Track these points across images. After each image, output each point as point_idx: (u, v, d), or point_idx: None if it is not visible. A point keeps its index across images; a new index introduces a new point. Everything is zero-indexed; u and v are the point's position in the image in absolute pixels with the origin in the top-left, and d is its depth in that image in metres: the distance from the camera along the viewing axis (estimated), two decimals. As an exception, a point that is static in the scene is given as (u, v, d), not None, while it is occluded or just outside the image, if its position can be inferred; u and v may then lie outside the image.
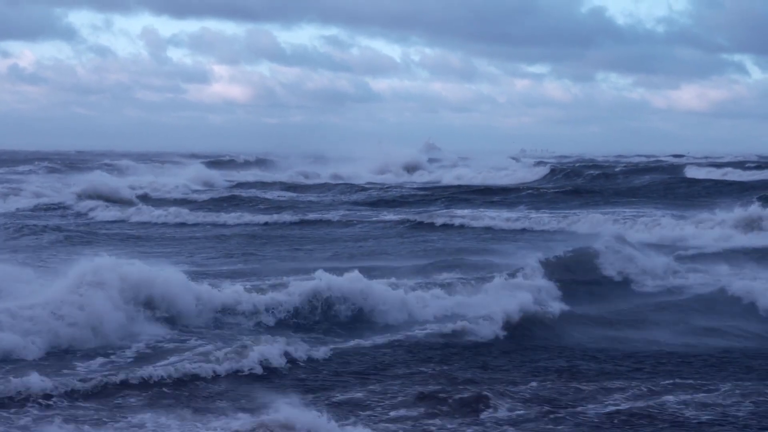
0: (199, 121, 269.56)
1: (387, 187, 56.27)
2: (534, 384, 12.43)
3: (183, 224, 35.71)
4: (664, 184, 53.51)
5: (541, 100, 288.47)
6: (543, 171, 64.75)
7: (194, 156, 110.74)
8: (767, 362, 14.32)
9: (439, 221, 34.48)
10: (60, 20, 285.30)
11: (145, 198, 45.31)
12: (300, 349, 13.92)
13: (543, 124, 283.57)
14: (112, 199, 42.68)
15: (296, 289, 16.83)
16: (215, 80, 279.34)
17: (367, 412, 11.08)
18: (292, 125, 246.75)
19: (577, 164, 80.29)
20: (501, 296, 17.71)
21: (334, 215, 37.63)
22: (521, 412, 11.17)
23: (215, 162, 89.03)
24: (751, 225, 30.22)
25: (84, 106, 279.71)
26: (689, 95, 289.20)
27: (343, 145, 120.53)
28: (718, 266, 22.39)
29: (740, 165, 74.82)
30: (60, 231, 30.59)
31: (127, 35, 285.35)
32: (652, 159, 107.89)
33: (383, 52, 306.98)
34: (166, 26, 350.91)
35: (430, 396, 11.58)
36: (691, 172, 60.75)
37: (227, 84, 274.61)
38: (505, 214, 36.96)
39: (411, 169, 78.08)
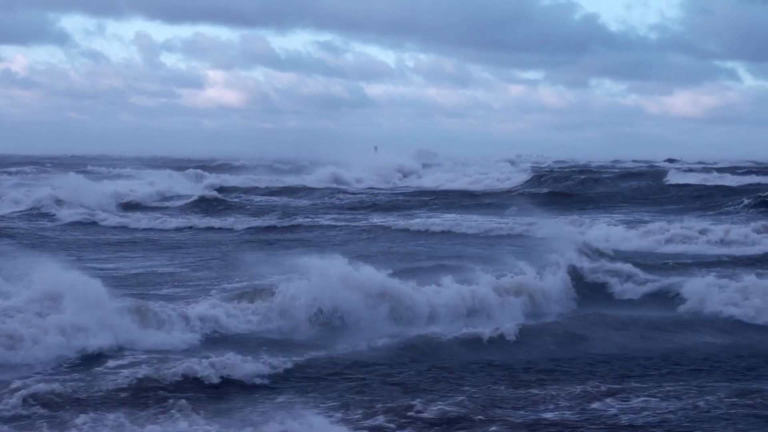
0: (194, 126, 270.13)
1: (375, 192, 56.31)
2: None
3: (153, 230, 35.55)
4: (644, 189, 53.48)
5: (536, 106, 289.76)
6: (525, 176, 65.07)
7: (188, 160, 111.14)
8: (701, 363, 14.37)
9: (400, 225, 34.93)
10: (53, 25, 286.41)
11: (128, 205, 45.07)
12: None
13: (538, 129, 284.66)
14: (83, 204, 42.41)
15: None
16: (209, 85, 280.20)
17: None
18: (287, 130, 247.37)
19: (565, 169, 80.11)
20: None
21: (304, 220, 37.46)
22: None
23: (208, 167, 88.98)
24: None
25: (78, 111, 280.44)
26: (683, 101, 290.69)
27: (339, 150, 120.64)
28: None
29: (730, 170, 74.88)
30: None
31: (120, 40, 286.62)
32: (642, 164, 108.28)
33: (378, 57, 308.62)
34: (159, 31, 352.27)
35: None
36: (675, 178, 60.70)
37: (222, 89, 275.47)
38: (475, 218, 37.15)
39: (402, 174, 78.22)
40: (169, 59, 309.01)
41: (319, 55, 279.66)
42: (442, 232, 32.90)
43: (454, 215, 39.11)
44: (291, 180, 66.02)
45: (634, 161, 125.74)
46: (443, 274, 18.90)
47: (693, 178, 59.99)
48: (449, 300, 17.61)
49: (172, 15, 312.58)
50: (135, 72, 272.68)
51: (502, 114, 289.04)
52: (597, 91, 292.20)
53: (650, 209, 44.58)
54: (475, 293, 17.86)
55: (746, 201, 43.11)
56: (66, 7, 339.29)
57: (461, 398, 11.80)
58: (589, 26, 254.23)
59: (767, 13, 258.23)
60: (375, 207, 46.28)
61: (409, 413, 11.14)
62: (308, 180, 67.93)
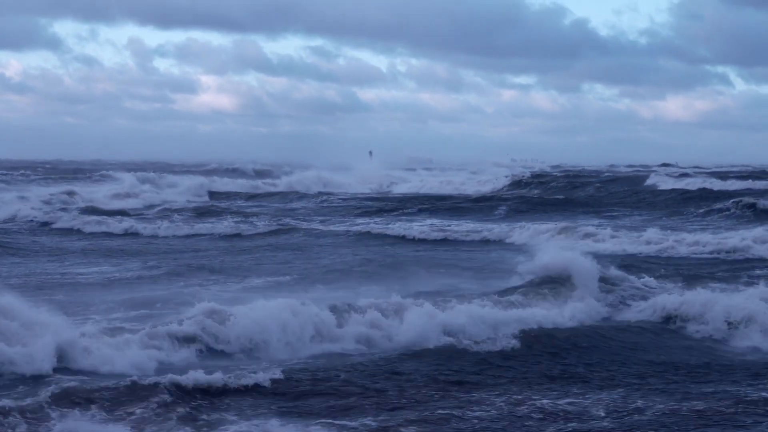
0: (189, 130, 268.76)
1: (345, 198, 56.62)
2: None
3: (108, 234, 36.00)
4: (621, 194, 53.65)
5: (529, 111, 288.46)
6: (505, 181, 65.43)
7: (182, 165, 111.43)
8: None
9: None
10: (45, 30, 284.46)
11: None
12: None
13: (531, 134, 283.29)
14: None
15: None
16: (203, 90, 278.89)
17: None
18: (281, 135, 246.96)
19: (550, 174, 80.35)
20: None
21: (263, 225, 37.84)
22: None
23: (201, 171, 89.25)
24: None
25: (72, 116, 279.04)
26: (675, 106, 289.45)
27: (333, 154, 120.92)
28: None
29: (720, 174, 75.08)
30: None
31: (113, 45, 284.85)
32: (639, 168, 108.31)
33: (370, 62, 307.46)
34: (152, 36, 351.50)
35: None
36: (657, 183, 60.94)
37: (215, 94, 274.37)
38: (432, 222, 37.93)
39: (388, 179, 78.76)
40: (162, 64, 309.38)
41: (311, 60, 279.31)
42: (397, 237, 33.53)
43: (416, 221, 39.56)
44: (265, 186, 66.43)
45: (629, 166, 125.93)
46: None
47: (675, 183, 60.19)
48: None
49: (164, 20, 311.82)
50: (128, 77, 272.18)
51: (495, 118, 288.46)
52: (589, 95, 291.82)
53: (626, 213, 44.85)
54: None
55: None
56: (57, 12, 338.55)
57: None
58: (580, 31, 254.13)
59: (756, 18, 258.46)
60: (334, 211, 46.65)
61: None
62: (282, 185, 68.53)
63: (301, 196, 56.94)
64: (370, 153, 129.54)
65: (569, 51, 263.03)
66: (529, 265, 21.15)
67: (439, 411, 12.01)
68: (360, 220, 41.51)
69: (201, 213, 43.51)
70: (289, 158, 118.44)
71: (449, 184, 68.23)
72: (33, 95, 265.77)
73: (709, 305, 18.14)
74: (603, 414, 12.07)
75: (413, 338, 15.99)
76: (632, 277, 21.23)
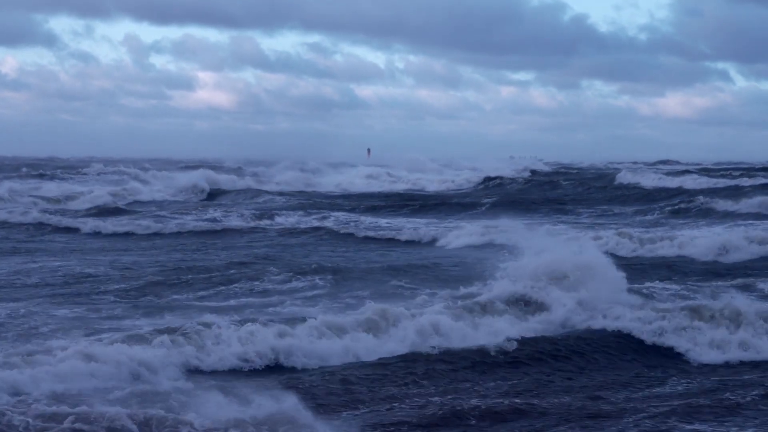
0: (186, 127, 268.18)
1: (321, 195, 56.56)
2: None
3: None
4: (588, 192, 53.48)
5: (527, 108, 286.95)
6: (477, 179, 65.31)
7: (176, 161, 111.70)
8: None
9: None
10: (41, 26, 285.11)
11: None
12: None
13: (530, 131, 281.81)
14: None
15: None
16: (200, 87, 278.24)
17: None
18: (279, 132, 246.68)
19: (534, 172, 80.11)
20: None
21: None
22: None
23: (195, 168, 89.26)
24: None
25: (69, 113, 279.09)
26: (674, 102, 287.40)
27: (331, 151, 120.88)
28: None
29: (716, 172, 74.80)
30: None
31: (109, 41, 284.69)
32: (641, 165, 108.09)
33: (367, 59, 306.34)
34: (148, 33, 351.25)
35: None
36: (625, 179, 60.72)
37: (212, 90, 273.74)
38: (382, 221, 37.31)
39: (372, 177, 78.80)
40: (158, 60, 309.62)
41: (309, 57, 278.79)
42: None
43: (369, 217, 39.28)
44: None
45: (633, 162, 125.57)
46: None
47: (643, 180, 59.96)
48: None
49: (159, 16, 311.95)
50: (125, 73, 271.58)
51: (494, 116, 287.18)
52: (588, 92, 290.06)
53: (587, 211, 44.61)
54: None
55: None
56: (53, 8, 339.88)
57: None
58: (579, 27, 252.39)
59: (757, 14, 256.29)
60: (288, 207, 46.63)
61: None
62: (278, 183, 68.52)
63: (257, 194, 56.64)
64: (369, 151, 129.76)
65: (568, 47, 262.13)
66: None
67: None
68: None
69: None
70: (287, 156, 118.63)
71: (415, 184, 67.89)
72: (29, 92, 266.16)
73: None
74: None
75: None
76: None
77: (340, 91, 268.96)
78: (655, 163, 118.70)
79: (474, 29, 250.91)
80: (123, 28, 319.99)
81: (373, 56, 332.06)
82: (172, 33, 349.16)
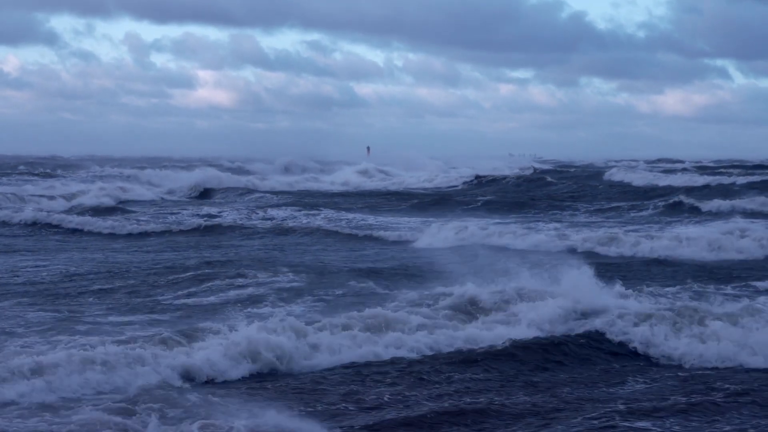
0: (187, 126, 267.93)
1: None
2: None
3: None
4: (575, 191, 53.71)
5: (527, 105, 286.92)
6: (467, 178, 65.75)
7: (182, 160, 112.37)
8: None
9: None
10: (42, 25, 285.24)
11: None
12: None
13: (529, 129, 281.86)
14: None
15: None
16: (200, 85, 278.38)
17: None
18: (279, 131, 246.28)
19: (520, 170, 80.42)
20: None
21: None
22: None
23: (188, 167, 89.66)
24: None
25: (71, 111, 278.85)
26: (673, 100, 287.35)
27: (331, 149, 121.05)
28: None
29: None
30: None
31: (110, 40, 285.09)
32: (640, 162, 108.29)
33: (366, 57, 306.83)
34: (148, 31, 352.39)
35: None
36: (612, 177, 61.10)
37: (212, 89, 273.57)
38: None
39: (364, 174, 79.48)
40: (159, 59, 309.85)
41: (308, 55, 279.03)
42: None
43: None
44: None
45: (633, 160, 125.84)
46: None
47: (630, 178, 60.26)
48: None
49: (160, 15, 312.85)
50: (126, 72, 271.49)
51: (493, 113, 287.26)
52: (587, 90, 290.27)
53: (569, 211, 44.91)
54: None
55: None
56: (53, 7, 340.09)
57: None
58: (577, 24, 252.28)
59: (755, 11, 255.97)
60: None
61: None
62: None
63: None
64: (368, 149, 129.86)
65: (567, 45, 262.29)
66: None
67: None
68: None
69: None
70: (287, 154, 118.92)
71: (401, 184, 68.34)
72: (31, 91, 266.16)
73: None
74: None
75: None
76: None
77: (340, 89, 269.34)
78: (656, 161, 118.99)
79: (473, 27, 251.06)
80: (123, 26, 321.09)
81: (372, 54, 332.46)
82: (172, 31, 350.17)
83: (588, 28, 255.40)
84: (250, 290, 20.79)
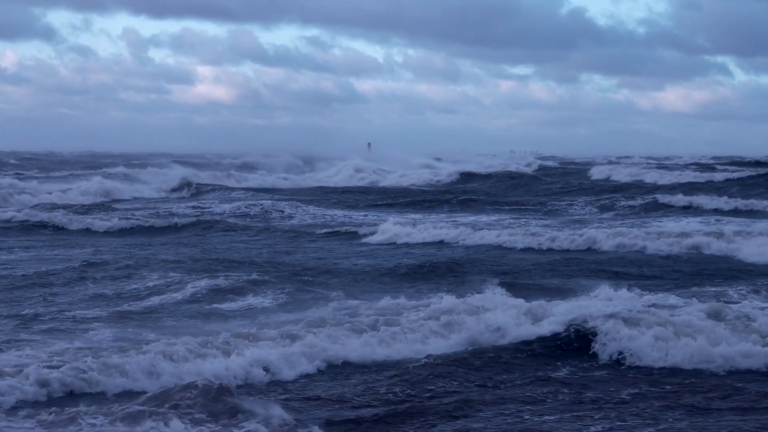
0: (185, 122, 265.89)
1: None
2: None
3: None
4: (554, 188, 53.92)
5: (527, 102, 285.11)
6: (454, 175, 65.98)
7: (169, 155, 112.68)
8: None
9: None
10: (39, 20, 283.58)
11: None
12: None
13: (530, 125, 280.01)
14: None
15: None
16: (199, 81, 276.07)
17: None
18: (278, 126, 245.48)
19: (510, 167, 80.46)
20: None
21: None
22: None
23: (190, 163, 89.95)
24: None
25: (69, 107, 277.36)
26: (674, 97, 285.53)
27: (331, 145, 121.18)
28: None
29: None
30: None
31: (108, 35, 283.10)
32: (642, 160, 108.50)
33: (365, 53, 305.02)
34: (146, 26, 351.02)
35: None
36: (597, 174, 61.30)
37: (211, 85, 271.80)
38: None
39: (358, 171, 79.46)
40: (157, 54, 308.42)
41: (307, 50, 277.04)
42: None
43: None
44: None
45: (627, 157, 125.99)
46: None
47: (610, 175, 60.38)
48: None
49: (157, 10, 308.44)
50: (124, 68, 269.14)
51: (493, 110, 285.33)
52: (587, 86, 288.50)
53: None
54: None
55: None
56: (50, 2, 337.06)
57: None
58: (577, 20, 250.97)
59: (755, 8, 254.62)
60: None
61: None
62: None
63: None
64: (369, 145, 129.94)
65: (566, 41, 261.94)
66: None
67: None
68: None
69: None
70: (286, 150, 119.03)
71: (386, 181, 68.57)
72: (29, 86, 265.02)
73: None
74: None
75: None
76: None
77: (339, 85, 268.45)
78: (659, 159, 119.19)
79: (472, 23, 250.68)
80: (121, 21, 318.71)
81: (371, 50, 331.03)
82: (171, 27, 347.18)
83: (588, 24, 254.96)
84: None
